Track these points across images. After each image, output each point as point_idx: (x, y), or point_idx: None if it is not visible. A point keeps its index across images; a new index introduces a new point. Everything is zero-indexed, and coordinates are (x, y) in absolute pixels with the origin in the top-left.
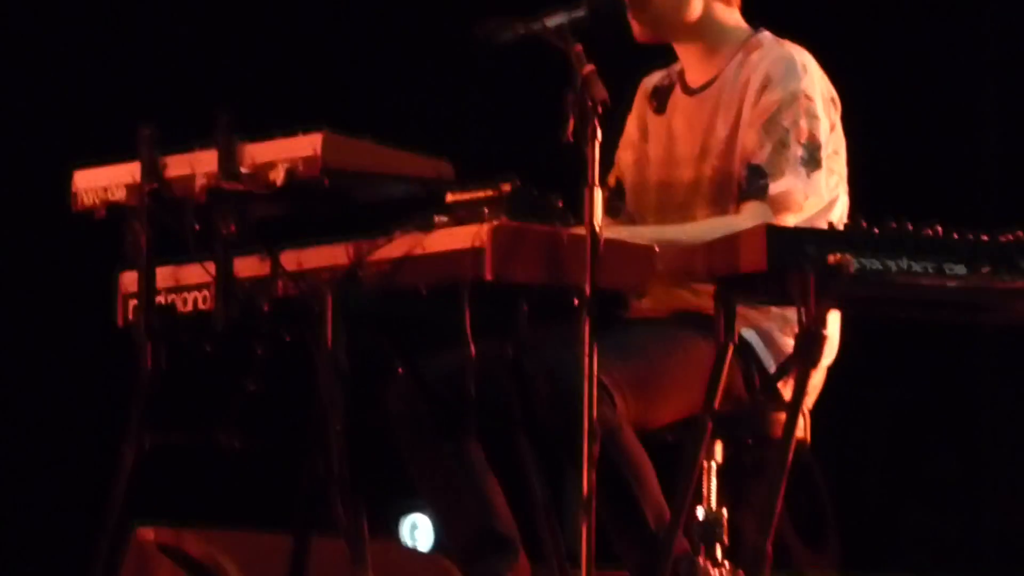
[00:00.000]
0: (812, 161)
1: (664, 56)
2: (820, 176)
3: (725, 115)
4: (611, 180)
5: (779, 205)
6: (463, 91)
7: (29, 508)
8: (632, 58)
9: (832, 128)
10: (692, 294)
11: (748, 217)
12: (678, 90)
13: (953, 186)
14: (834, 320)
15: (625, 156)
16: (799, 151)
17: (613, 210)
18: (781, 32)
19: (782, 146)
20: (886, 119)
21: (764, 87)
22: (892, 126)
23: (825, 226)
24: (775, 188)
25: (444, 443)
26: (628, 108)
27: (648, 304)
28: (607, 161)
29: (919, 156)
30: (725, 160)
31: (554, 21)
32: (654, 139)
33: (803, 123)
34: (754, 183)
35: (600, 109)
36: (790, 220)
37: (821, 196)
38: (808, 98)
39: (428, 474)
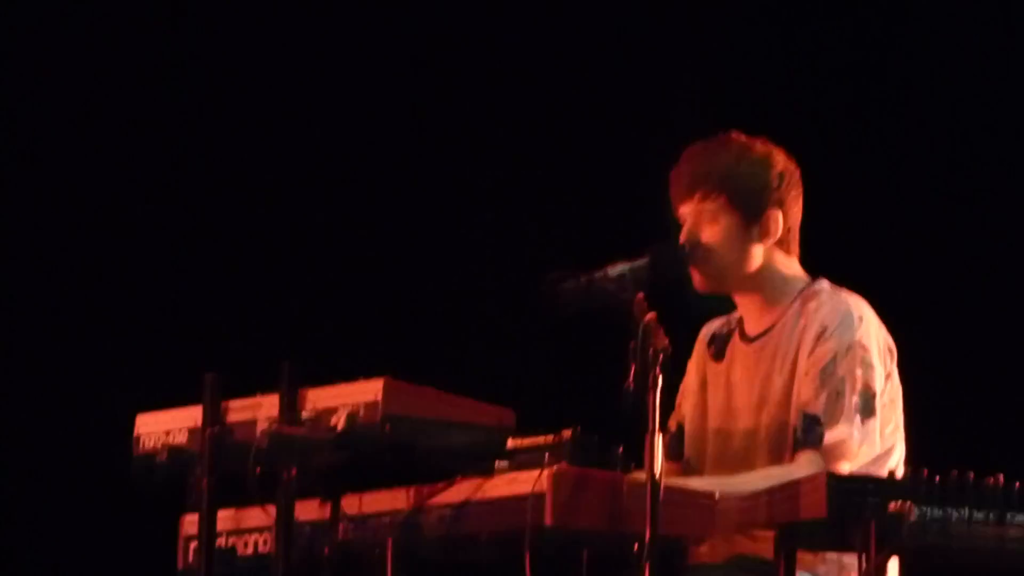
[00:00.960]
0: (867, 410)
1: (725, 303)
2: (874, 424)
3: (782, 364)
4: (672, 425)
5: (834, 453)
6: (526, 339)
7: None
8: (694, 306)
9: (888, 377)
10: (750, 539)
11: (802, 466)
12: (736, 338)
13: (1015, 436)
14: (893, 565)
15: (686, 403)
16: (854, 399)
17: (674, 456)
18: (841, 281)
19: (837, 395)
20: (947, 368)
21: (819, 336)
22: (952, 375)
23: (882, 474)
24: (830, 437)
25: None
26: (689, 355)
27: (705, 549)
28: (668, 406)
29: (979, 405)
30: (782, 409)
31: (616, 271)
32: (712, 387)
33: (858, 372)
34: (810, 432)
35: (661, 357)
36: (844, 468)
37: (875, 444)
38: (863, 348)
39: None
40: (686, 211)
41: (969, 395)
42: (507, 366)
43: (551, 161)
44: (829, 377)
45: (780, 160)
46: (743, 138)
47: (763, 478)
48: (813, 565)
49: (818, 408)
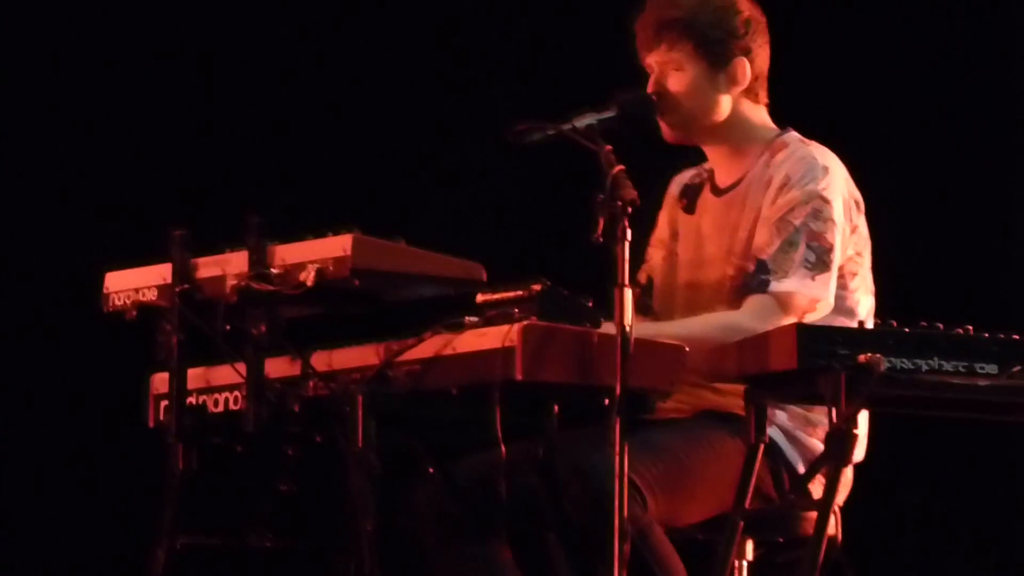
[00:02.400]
0: (820, 264)
1: (693, 155)
2: (827, 279)
3: (748, 215)
4: (642, 277)
5: (781, 304)
6: (494, 192)
7: None
8: (662, 157)
9: (854, 230)
10: (716, 393)
11: (747, 311)
12: (707, 190)
13: (983, 286)
14: (863, 418)
15: (655, 254)
16: (807, 253)
17: (643, 308)
18: (808, 131)
19: (789, 245)
20: (915, 218)
21: (783, 186)
22: (921, 225)
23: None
24: (777, 287)
25: (473, 545)
26: (659, 206)
27: (672, 404)
28: (638, 259)
29: (948, 256)
30: (745, 259)
31: (583, 122)
32: (684, 239)
33: (814, 225)
34: (757, 277)
35: (629, 209)
36: (789, 321)
37: (828, 300)
38: (824, 200)
39: None
40: (652, 61)
41: (938, 247)
42: (476, 220)
43: (519, 9)
44: (785, 226)
45: (745, 7)
46: None
47: (705, 323)
48: (781, 419)
49: (768, 255)
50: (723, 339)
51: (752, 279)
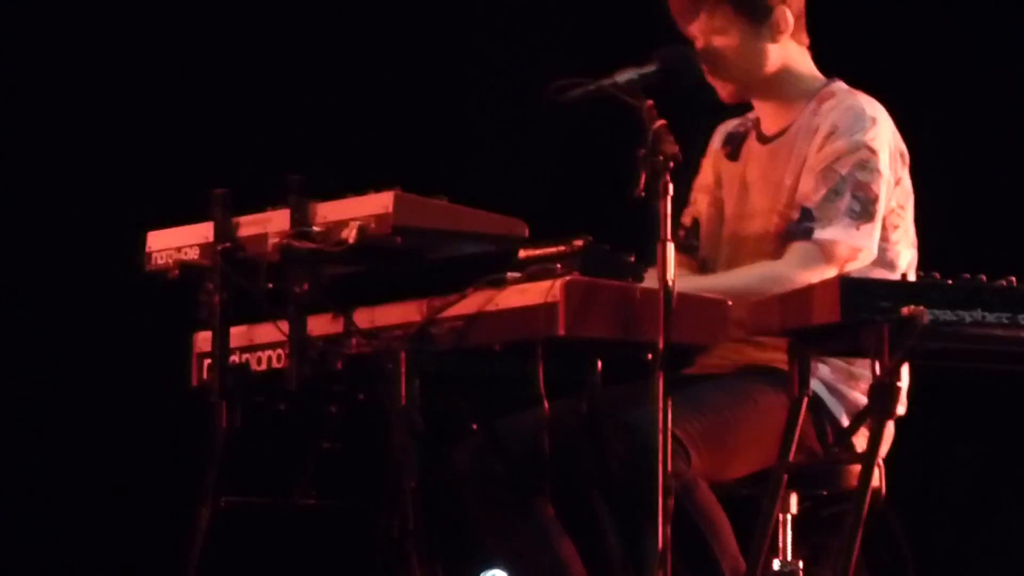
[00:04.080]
0: (865, 214)
1: (737, 107)
2: (871, 229)
3: (794, 164)
4: (687, 219)
5: (824, 252)
6: (535, 149)
7: (105, 571)
8: (703, 108)
9: (898, 183)
10: (757, 348)
11: (791, 260)
12: (752, 138)
13: None
14: (904, 370)
15: (701, 198)
16: (851, 202)
17: (688, 249)
18: (856, 82)
19: (835, 194)
20: (959, 171)
21: (829, 135)
22: (964, 178)
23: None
24: (821, 234)
25: (517, 503)
26: (703, 152)
27: (714, 360)
28: (680, 209)
29: (991, 208)
30: (791, 208)
31: (624, 77)
32: (728, 188)
33: (860, 175)
34: (801, 225)
35: (671, 164)
36: (832, 271)
37: (871, 249)
38: (871, 150)
39: (502, 535)
40: (695, 30)
41: (981, 200)
42: (518, 176)
43: None
44: (831, 175)
45: None
46: None
47: (750, 275)
48: (823, 373)
49: (814, 203)
50: (767, 290)
51: (796, 226)
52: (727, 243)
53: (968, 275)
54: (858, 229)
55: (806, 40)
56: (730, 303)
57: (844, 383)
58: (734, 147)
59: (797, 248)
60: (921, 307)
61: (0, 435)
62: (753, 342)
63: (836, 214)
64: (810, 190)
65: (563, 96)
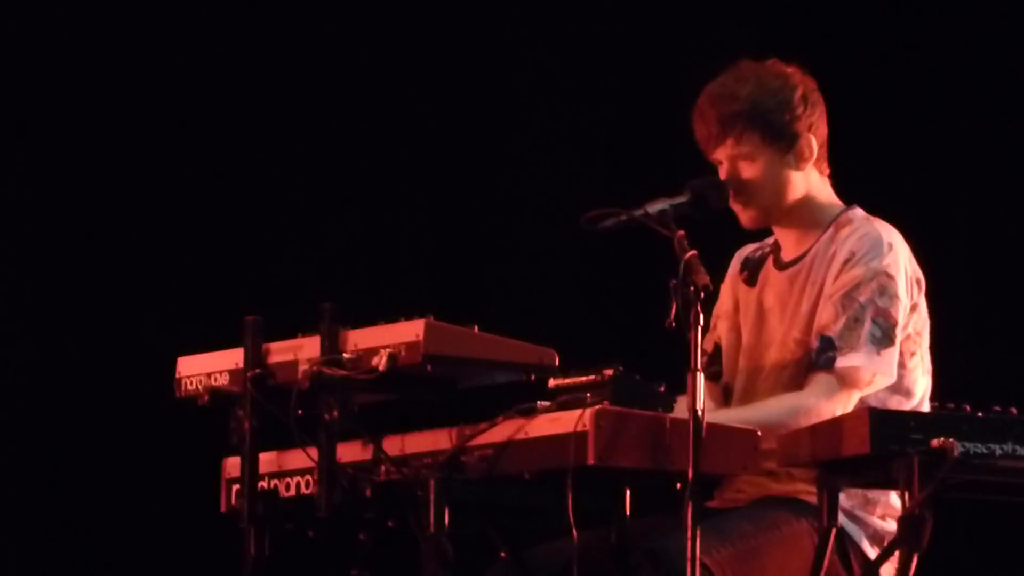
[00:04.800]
0: (885, 339)
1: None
2: (892, 354)
3: (811, 290)
4: (708, 345)
5: (846, 380)
6: (567, 277)
7: None
8: (733, 237)
9: (914, 308)
10: (775, 480)
11: (813, 390)
12: (770, 263)
13: None
14: None
15: (721, 324)
16: (872, 328)
17: (712, 375)
18: (875, 210)
19: (855, 322)
20: (979, 302)
21: (847, 261)
22: (983, 309)
23: (906, 407)
24: (842, 362)
25: None
26: (723, 278)
27: (731, 493)
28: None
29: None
30: (807, 335)
31: (656, 207)
32: (744, 312)
33: (880, 301)
34: (823, 354)
35: (702, 295)
36: (854, 396)
37: (891, 374)
38: (889, 276)
39: None
40: (721, 156)
41: (1001, 329)
42: (549, 305)
43: (591, 97)
44: (850, 302)
45: (799, 80)
46: (754, 65)
47: (773, 408)
48: (846, 502)
49: (834, 332)
50: (791, 422)
51: (818, 356)
52: (744, 372)
53: (998, 407)
54: (879, 355)
55: (827, 170)
56: (759, 433)
57: (862, 509)
58: (751, 272)
59: (820, 378)
60: (951, 439)
61: (37, 558)
62: (771, 474)
63: (857, 341)
64: (830, 319)
65: (596, 225)
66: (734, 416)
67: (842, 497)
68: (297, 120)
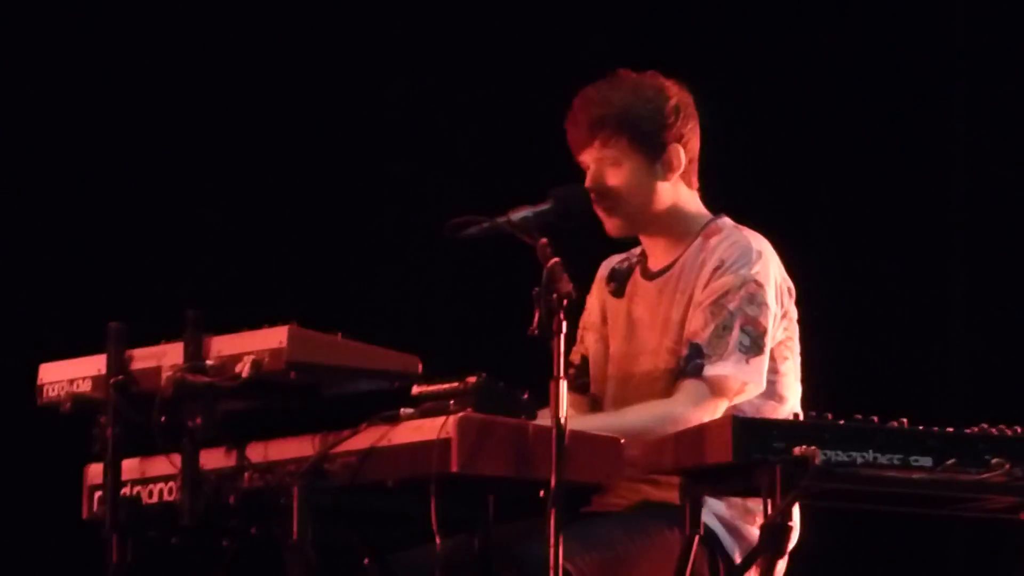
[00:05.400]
0: (754, 347)
1: (627, 241)
2: (761, 362)
3: (681, 300)
4: (575, 358)
5: (714, 388)
6: (430, 285)
7: None
8: (598, 246)
9: (784, 316)
10: (653, 486)
11: (682, 398)
12: (637, 274)
13: (917, 380)
14: (795, 508)
15: (588, 336)
16: (741, 336)
17: (580, 387)
18: (741, 218)
19: (724, 329)
20: (848, 309)
21: (716, 269)
22: (854, 317)
23: (779, 415)
24: (711, 370)
25: None
26: (588, 289)
27: (611, 498)
28: (571, 342)
29: (882, 348)
30: (678, 344)
31: (519, 215)
32: (613, 324)
33: (749, 309)
34: (691, 362)
35: (565, 302)
36: (722, 405)
37: (760, 383)
38: (758, 284)
39: None
40: (588, 158)
41: (869, 337)
42: (412, 312)
43: (456, 103)
44: (719, 310)
45: (674, 92)
46: (633, 75)
47: (643, 413)
48: (720, 509)
49: (703, 339)
50: (658, 429)
51: (686, 363)
52: (614, 380)
53: (860, 416)
54: (748, 363)
55: (696, 183)
56: (623, 441)
57: (741, 519)
58: (618, 283)
59: (688, 385)
60: (813, 447)
61: None
62: (649, 480)
63: (726, 349)
64: (699, 326)
65: (459, 233)
66: (600, 423)
67: (722, 506)
68: (162, 122)
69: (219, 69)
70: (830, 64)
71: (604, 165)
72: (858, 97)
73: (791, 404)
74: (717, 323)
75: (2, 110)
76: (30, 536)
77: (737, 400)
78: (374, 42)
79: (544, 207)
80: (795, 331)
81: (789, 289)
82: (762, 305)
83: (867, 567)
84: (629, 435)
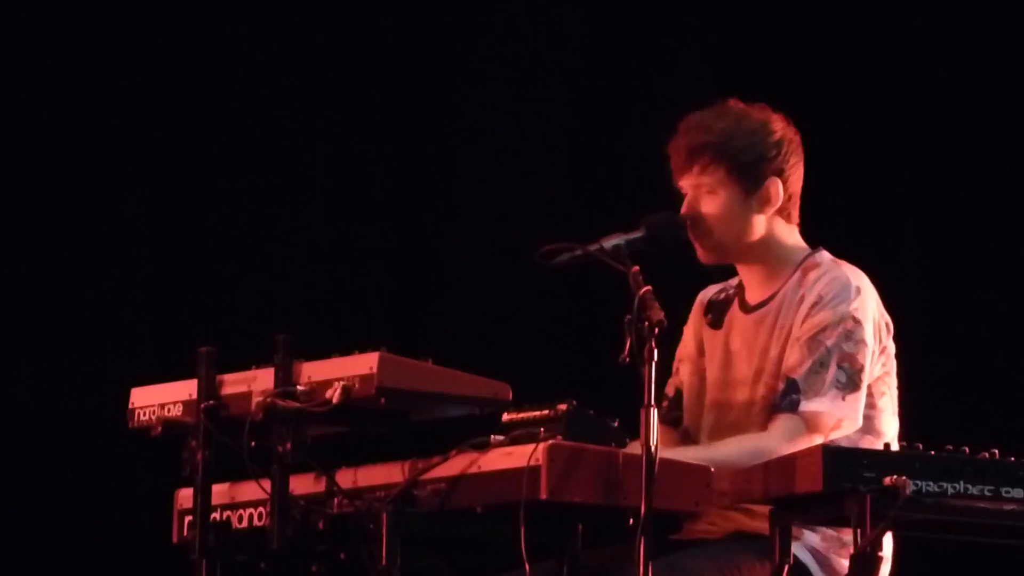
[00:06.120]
0: (851, 384)
1: (723, 270)
2: (858, 399)
3: (779, 335)
4: (670, 390)
5: (809, 424)
6: (522, 312)
7: None
8: (690, 273)
9: (882, 352)
10: (746, 515)
11: (776, 433)
12: (736, 306)
13: (1010, 411)
14: (887, 539)
15: (683, 368)
16: (838, 373)
17: (673, 420)
18: (841, 252)
19: (820, 366)
20: (944, 346)
21: (814, 305)
22: (948, 349)
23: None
24: (807, 406)
25: None
26: (682, 316)
27: (702, 526)
28: (665, 374)
29: (974, 378)
30: (776, 379)
31: (611, 243)
32: (710, 355)
33: (845, 346)
34: (787, 397)
35: (656, 330)
36: (817, 441)
37: (856, 419)
38: (856, 321)
39: None
40: (686, 184)
41: (965, 371)
42: (503, 339)
43: (550, 130)
44: (817, 346)
45: (779, 127)
46: (740, 105)
47: (736, 447)
48: (811, 540)
49: (799, 374)
50: (750, 463)
51: (782, 399)
52: (711, 409)
53: (952, 447)
54: (844, 400)
55: (796, 218)
56: (713, 470)
57: (835, 551)
58: (716, 315)
59: (783, 420)
60: (904, 478)
61: None
62: (742, 509)
63: (822, 386)
64: (796, 362)
65: (551, 260)
66: (691, 454)
67: (815, 538)
68: (251, 151)
69: (311, 100)
70: (917, 91)
71: (701, 192)
72: (946, 124)
73: (887, 439)
74: (814, 359)
75: (94, 122)
76: (120, 560)
77: (833, 436)
78: (459, 59)
79: (636, 235)
80: (892, 366)
81: (887, 324)
82: (859, 342)
83: None
84: (721, 467)
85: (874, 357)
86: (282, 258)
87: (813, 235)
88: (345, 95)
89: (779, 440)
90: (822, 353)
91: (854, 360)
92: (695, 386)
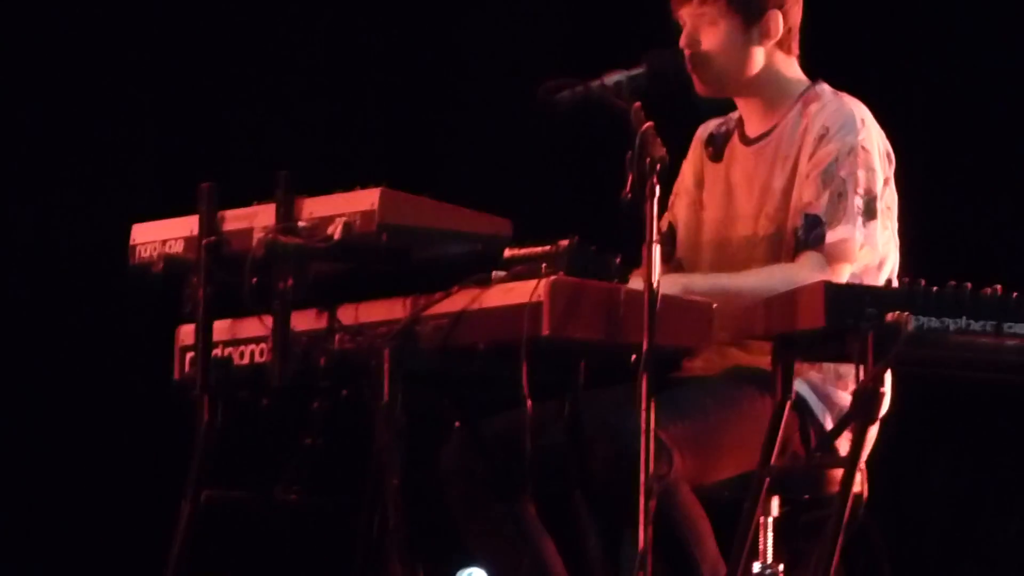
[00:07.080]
0: (868, 212)
1: (723, 106)
2: (875, 227)
3: (782, 167)
4: (663, 224)
5: (835, 254)
6: (523, 149)
7: (87, 567)
8: (691, 111)
9: (886, 183)
10: (743, 351)
11: (805, 266)
12: (736, 139)
13: (1014, 247)
14: (887, 375)
15: (679, 202)
16: (857, 201)
17: (665, 256)
18: (838, 85)
19: (839, 196)
20: (943, 176)
21: (821, 138)
22: (949, 183)
23: (878, 281)
24: (832, 236)
25: (498, 502)
26: (684, 154)
27: (700, 363)
28: (663, 210)
29: (976, 213)
30: (781, 212)
31: (613, 79)
32: (711, 189)
33: (860, 174)
34: (811, 232)
35: (658, 167)
36: (845, 270)
37: (876, 247)
38: (865, 150)
39: (482, 534)
40: (685, 15)
41: (964, 203)
42: (505, 176)
43: None
44: (831, 178)
45: None
46: None
47: (766, 276)
48: (811, 375)
49: (820, 209)
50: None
51: (806, 235)
52: (710, 246)
53: (954, 282)
54: (865, 227)
55: (796, 51)
56: (715, 305)
57: (832, 384)
58: (716, 148)
59: (809, 256)
60: (906, 313)
61: None
62: (739, 345)
63: (844, 215)
64: (812, 196)
65: (552, 98)
66: (724, 282)
67: (812, 371)
68: None
69: None
70: None
71: (701, 22)
72: None
73: (889, 271)
74: (831, 191)
75: None
76: (121, 397)
77: (857, 266)
78: None
79: (637, 71)
80: (894, 200)
81: (889, 155)
82: (871, 170)
83: (959, 436)
84: (754, 297)
85: (883, 187)
86: (284, 95)
87: (812, 70)
88: None
89: (810, 272)
90: (838, 183)
91: (869, 188)
92: (691, 219)
